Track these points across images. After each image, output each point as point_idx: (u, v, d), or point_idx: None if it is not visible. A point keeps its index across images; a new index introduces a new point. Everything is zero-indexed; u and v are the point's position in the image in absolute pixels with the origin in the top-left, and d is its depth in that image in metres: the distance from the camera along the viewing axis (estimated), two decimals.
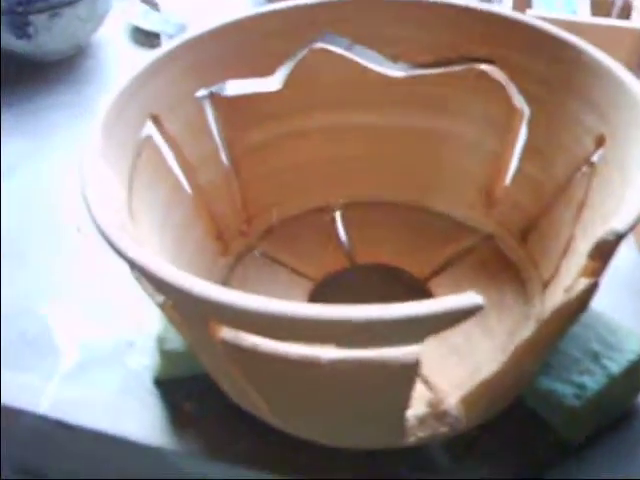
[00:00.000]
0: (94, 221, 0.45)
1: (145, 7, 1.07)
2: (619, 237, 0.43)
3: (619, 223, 0.43)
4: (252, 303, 0.39)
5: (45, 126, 0.90)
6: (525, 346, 0.48)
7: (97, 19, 1.01)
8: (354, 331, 0.38)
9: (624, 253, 0.72)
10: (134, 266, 0.43)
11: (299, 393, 0.47)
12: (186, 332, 0.51)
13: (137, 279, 0.50)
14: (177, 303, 0.47)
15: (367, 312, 0.38)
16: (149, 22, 1.05)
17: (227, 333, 0.44)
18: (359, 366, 0.41)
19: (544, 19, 0.88)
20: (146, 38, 1.02)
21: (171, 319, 0.52)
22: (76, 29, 0.98)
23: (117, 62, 1.01)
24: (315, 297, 0.65)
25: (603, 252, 0.44)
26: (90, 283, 0.70)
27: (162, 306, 0.50)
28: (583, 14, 0.93)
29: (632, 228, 0.44)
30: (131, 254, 0.43)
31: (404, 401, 0.46)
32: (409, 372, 0.42)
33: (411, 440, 0.51)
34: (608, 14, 0.92)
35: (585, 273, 0.46)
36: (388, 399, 0.46)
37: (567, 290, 0.47)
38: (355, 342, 0.41)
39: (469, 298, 0.38)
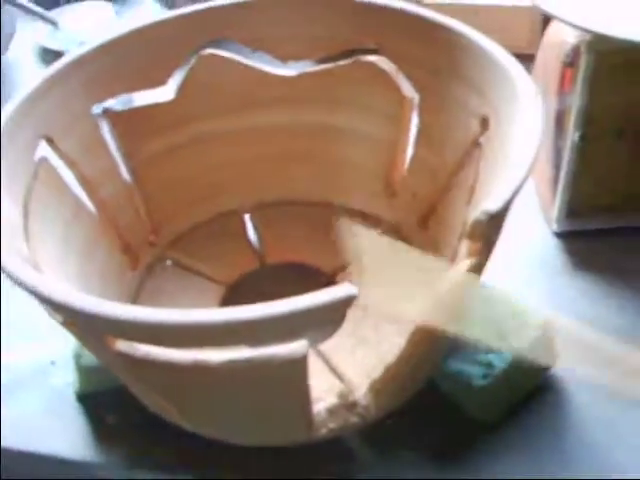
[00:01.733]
0: None
1: (50, 26, 1.07)
2: (492, 217, 0.44)
3: (491, 203, 0.44)
4: (134, 314, 0.39)
5: None
6: (422, 331, 0.48)
7: (3, 41, 1.01)
8: (234, 332, 0.39)
9: (535, 231, 0.73)
10: (24, 288, 0.44)
11: (199, 396, 0.48)
12: (88, 347, 0.52)
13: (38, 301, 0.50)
14: (70, 320, 0.47)
15: (246, 312, 0.38)
16: (54, 41, 1.05)
17: (121, 345, 0.44)
18: (249, 365, 0.42)
19: (440, 6, 0.90)
20: (55, 57, 1.01)
21: (74, 335, 0.52)
22: None
23: (26, 82, 1.00)
24: (227, 301, 0.66)
25: (478, 232, 0.45)
26: (8, 306, 0.70)
27: (63, 324, 0.50)
28: None
29: (506, 207, 0.44)
30: (18, 275, 0.43)
31: (303, 395, 0.46)
32: (299, 367, 0.43)
33: (322, 432, 0.51)
34: None
35: (468, 253, 0.47)
36: (286, 395, 0.47)
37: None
38: (241, 342, 0.41)
39: (342, 289, 0.39)
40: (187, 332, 0.40)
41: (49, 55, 1.03)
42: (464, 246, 0.47)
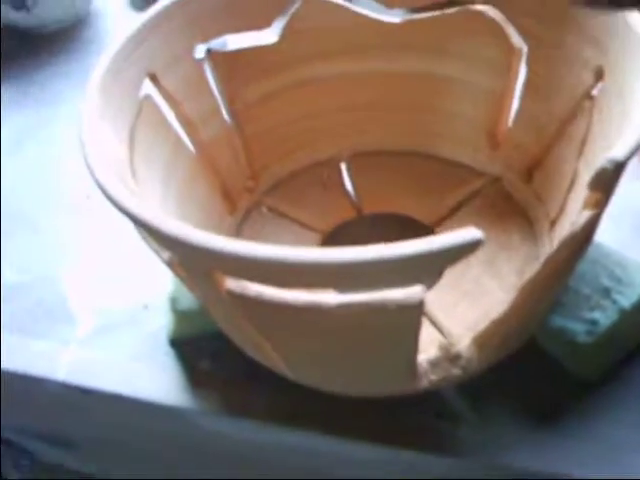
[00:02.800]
0: (94, 178, 0.45)
1: None
2: (618, 165, 0.43)
3: (618, 152, 0.43)
4: (252, 250, 0.39)
5: (49, 97, 0.90)
6: (532, 283, 0.48)
7: None
8: (354, 273, 0.38)
9: (637, 190, 0.71)
10: (135, 221, 0.43)
11: (308, 341, 0.47)
12: (194, 287, 0.51)
13: (143, 238, 0.50)
14: (180, 257, 0.47)
15: (366, 252, 0.37)
16: None
17: (232, 283, 0.44)
18: (364, 309, 0.41)
19: None
20: (145, 3, 1.01)
21: (179, 276, 0.52)
22: None
23: (116, 29, 1.00)
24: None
25: (603, 182, 0.44)
26: (102, 249, 0.71)
27: (169, 263, 0.50)
28: None
29: (631, 156, 0.43)
30: (131, 208, 0.43)
31: (412, 343, 0.46)
32: (413, 313, 0.42)
33: (424, 384, 0.51)
34: None
35: (588, 205, 0.46)
36: (396, 342, 0.46)
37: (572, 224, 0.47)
38: (358, 285, 0.41)
39: (469, 233, 0.38)
40: (302, 270, 0.39)
41: (141, 1, 1.02)
42: (579, 195, 0.46)
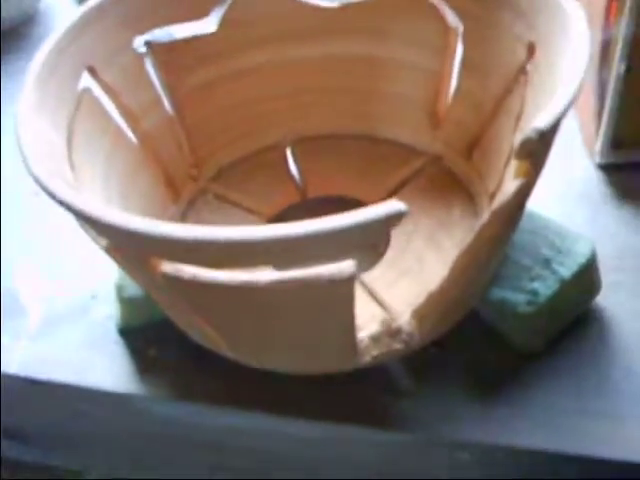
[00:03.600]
0: (28, 170, 0.46)
1: None
2: (542, 134, 0.43)
3: (541, 121, 0.44)
4: (182, 232, 0.39)
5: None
6: (467, 255, 0.48)
7: None
8: (284, 248, 0.39)
9: (578, 163, 0.72)
10: (68, 208, 0.44)
11: (246, 320, 0.48)
12: (132, 273, 0.52)
13: (82, 227, 0.51)
14: (116, 243, 0.47)
15: (293, 228, 0.38)
16: None
17: (167, 267, 0.44)
18: (297, 284, 0.42)
19: None
20: None
21: (118, 263, 0.52)
22: None
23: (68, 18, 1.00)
24: None
25: (528, 151, 0.44)
26: (50, 242, 0.71)
27: (107, 250, 0.50)
28: None
29: (554, 127, 0.44)
30: (64, 197, 0.44)
31: (349, 318, 0.46)
32: (346, 287, 0.42)
33: (366, 360, 0.51)
34: None
35: (517, 175, 0.46)
36: (332, 317, 0.47)
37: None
38: (290, 261, 0.41)
39: (392, 205, 0.39)
40: (234, 248, 0.40)
41: None
42: (513, 167, 0.46)
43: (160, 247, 0.43)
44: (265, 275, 0.42)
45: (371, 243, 0.42)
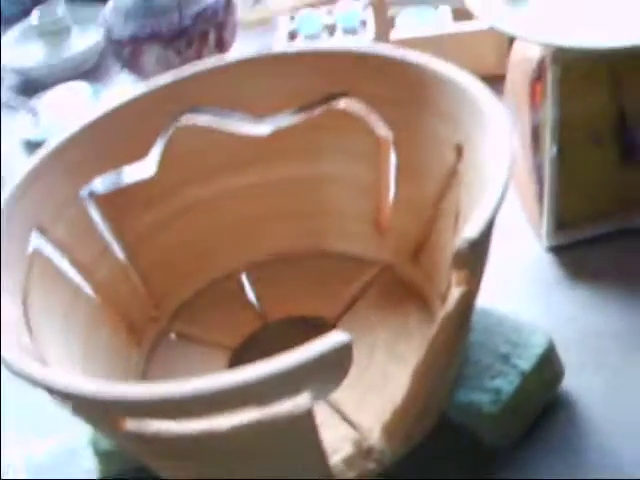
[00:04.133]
0: None
1: (30, 118, 1.08)
2: (472, 244, 0.44)
3: (470, 231, 0.45)
4: (138, 392, 0.40)
5: None
6: (422, 368, 0.49)
7: None
8: (235, 395, 0.40)
9: (526, 248, 0.74)
10: (30, 381, 0.44)
11: (215, 463, 0.48)
12: (100, 431, 0.52)
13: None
14: (76, 407, 0.48)
15: (244, 374, 0.39)
16: (36, 132, 1.06)
17: (131, 424, 0.45)
18: (256, 426, 0.42)
19: (403, 41, 0.91)
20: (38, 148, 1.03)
21: (86, 422, 0.52)
22: None
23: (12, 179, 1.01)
24: (234, 365, 0.66)
25: (462, 261, 0.45)
26: (27, 400, 0.71)
27: (73, 412, 0.51)
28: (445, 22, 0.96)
29: (485, 233, 0.45)
30: (22, 370, 0.45)
31: (317, 449, 0.47)
32: (305, 420, 0.43)
33: None
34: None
35: (457, 283, 0.47)
36: (300, 450, 0.47)
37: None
38: (247, 404, 0.42)
39: (336, 337, 0.39)
40: (189, 403, 0.40)
41: (34, 147, 1.04)
42: (453, 276, 0.47)
43: (120, 408, 0.43)
44: (224, 421, 0.42)
45: (325, 373, 0.42)
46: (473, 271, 0.47)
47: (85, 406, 0.46)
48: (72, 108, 1.06)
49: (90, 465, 0.64)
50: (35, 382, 0.44)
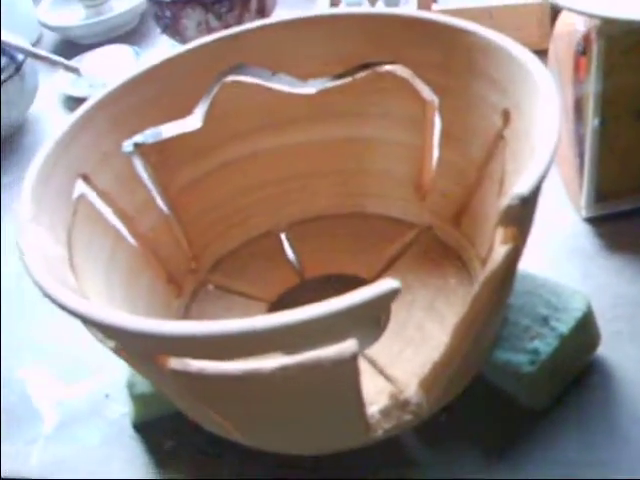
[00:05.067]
0: (32, 279, 0.47)
1: (71, 76, 1.09)
2: (524, 200, 0.45)
3: (522, 187, 0.45)
4: (184, 329, 0.41)
5: None
6: (464, 323, 0.49)
7: (28, 96, 1.03)
8: (284, 335, 0.40)
9: (564, 218, 0.74)
10: (74, 315, 0.45)
11: (255, 407, 0.49)
12: (141, 371, 0.53)
13: (89, 330, 0.52)
14: (122, 344, 0.49)
15: (294, 314, 0.39)
16: (77, 88, 1.07)
17: (174, 363, 0.45)
18: (300, 369, 0.43)
19: (446, 11, 0.91)
20: (78, 104, 1.03)
21: (127, 361, 0.53)
22: (9, 109, 1.01)
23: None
24: None
25: (511, 217, 0.46)
26: (60, 345, 0.72)
27: (115, 350, 0.51)
28: None
29: (535, 191, 0.45)
30: (67, 304, 0.45)
31: (356, 396, 0.47)
32: (349, 367, 0.43)
33: (378, 434, 0.52)
34: None
35: (505, 241, 0.48)
36: (340, 398, 0.48)
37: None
38: (291, 347, 0.42)
39: (386, 283, 0.40)
40: (236, 340, 0.41)
41: (74, 103, 1.05)
42: (499, 233, 0.48)
43: (166, 345, 0.44)
44: (269, 363, 0.43)
45: (370, 320, 0.43)
46: (520, 229, 0.47)
47: (131, 343, 0.47)
48: (114, 68, 1.07)
49: (124, 409, 0.65)
50: (83, 318, 0.44)
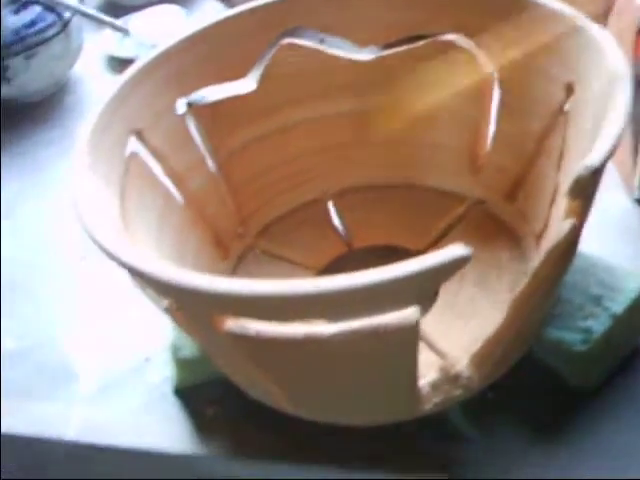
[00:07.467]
0: (87, 231, 0.47)
1: (117, 34, 1.08)
2: (595, 171, 0.44)
3: (593, 158, 0.44)
4: (250, 288, 0.40)
5: (36, 164, 0.91)
6: (521, 298, 0.49)
7: (72, 54, 1.03)
8: (351, 299, 0.39)
9: (615, 199, 0.73)
10: (132, 270, 0.44)
11: (309, 373, 0.48)
12: (194, 332, 0.52)
13: (140, 287, 0.51)
14: (179, 302, 0.48)
15: (361, 277, 0.39)
16: (123, 49, 1.06)
17: (231, 324, 0.45)
18: (361, 334, 0.42)
19: None
20: (123, 65, 1.03)
21: (178, 322, 0.53)
22: (53, 67, 1.00)
23: (97, 93, 1.02)
24: None
25: (581, 189, 0.45)
26: (100, 307, 0.72)
27: (168, 310, 0.51)
28: None
29: (606, 162, 0.45)
30: (128, 258, 0.44)
31: (412, 366, 0.47)
32: (410, 334, 0.43)
33: (427, 407, 0.52)
34: None
35: (569, 214, 0.47)
36: (396, 366, 0.47)
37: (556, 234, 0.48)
38: (355, 311, 0.42)
39: (457, 249, 0.39)
40: (301, 301, 0.40)
41: (119, 64, 1.04)
42: (561, 207, 0.47)
43: (226, 304, 0.43)
44: (329, 327, 0.42)
45: (431, 290, 0.42)
46: (585, 202, 0.47)
47: (189, 302, 0.46)
48: (164, 29, 1.06)
49: (166, 373, 0.64)
50: (141, 273, 0.44)
